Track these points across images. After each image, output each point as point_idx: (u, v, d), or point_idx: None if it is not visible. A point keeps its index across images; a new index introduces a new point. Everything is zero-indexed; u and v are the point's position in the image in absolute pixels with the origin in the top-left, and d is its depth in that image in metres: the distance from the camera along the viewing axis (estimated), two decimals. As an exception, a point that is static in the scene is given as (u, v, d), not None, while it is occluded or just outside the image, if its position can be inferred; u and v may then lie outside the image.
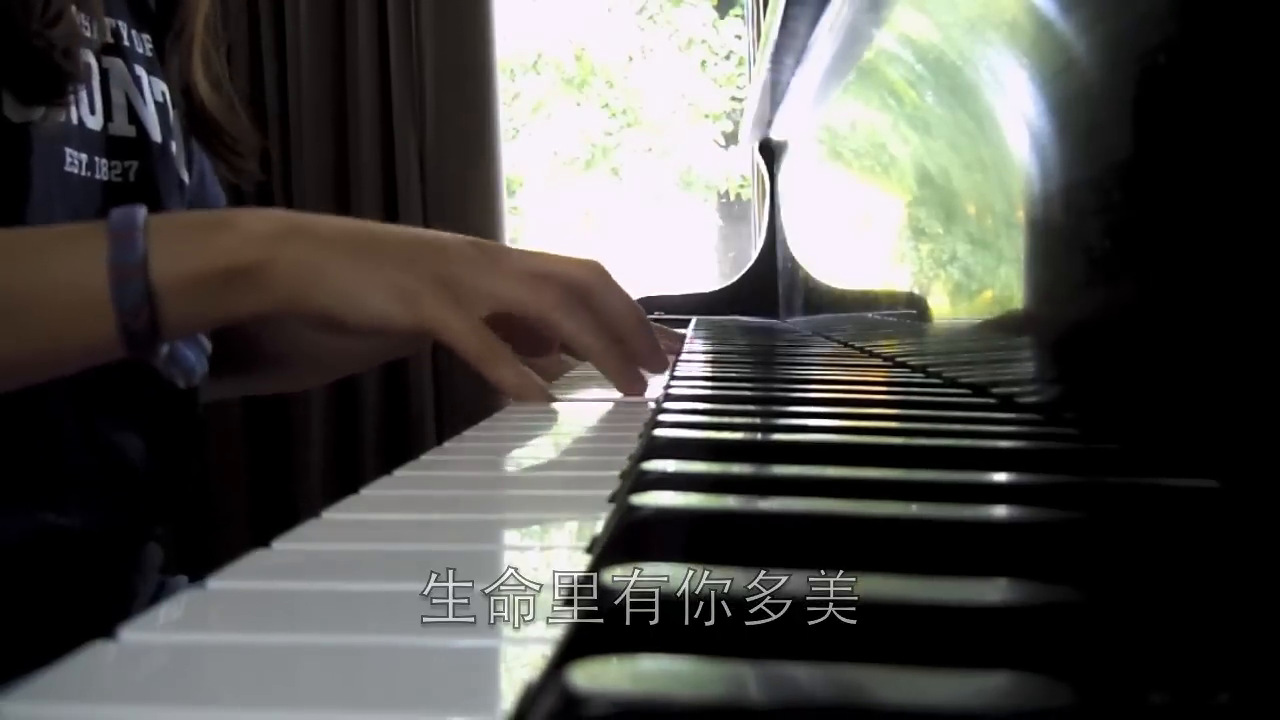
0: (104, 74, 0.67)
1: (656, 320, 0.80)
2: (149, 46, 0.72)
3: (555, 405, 0.56)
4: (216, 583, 0.23)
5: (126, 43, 0.70)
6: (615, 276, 0.57)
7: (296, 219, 0.51)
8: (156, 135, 0.70)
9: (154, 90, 0.71)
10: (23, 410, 0.60)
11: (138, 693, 0.17)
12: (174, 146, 0.72)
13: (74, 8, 0.60)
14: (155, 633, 0.20)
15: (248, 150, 0.77)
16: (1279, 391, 0.28)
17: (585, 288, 0.55)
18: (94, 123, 0.65)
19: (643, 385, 0.58)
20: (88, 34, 0.64)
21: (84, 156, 0.64)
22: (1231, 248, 0.30)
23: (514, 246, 0.57)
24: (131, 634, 0.19)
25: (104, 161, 0.66)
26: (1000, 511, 0.27)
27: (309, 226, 0.51)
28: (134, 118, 0.69)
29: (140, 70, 0.70)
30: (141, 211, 0.49)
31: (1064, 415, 0.43)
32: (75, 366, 0.54)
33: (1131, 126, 0.36)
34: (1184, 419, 0.33)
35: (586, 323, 0.54)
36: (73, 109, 0.62)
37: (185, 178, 0.74)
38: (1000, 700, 0.15)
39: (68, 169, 0.63)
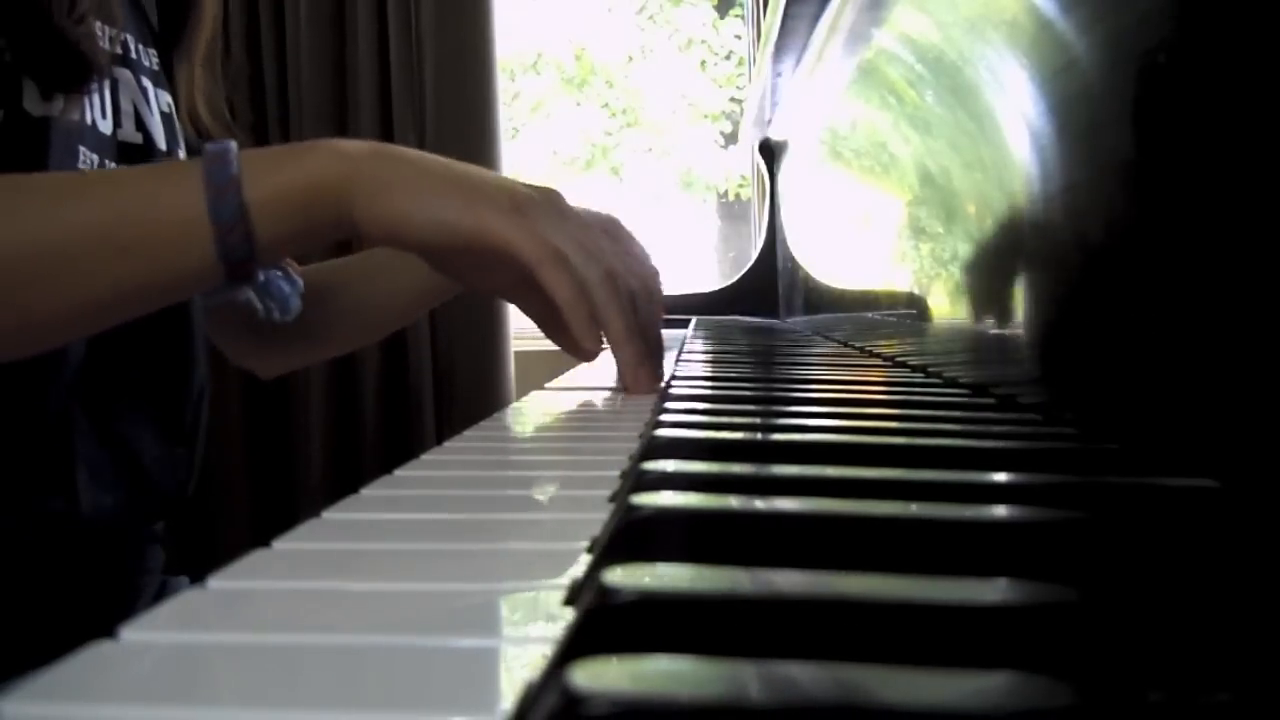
0: (114, 83, 0.69)
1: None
2: (155, 60, 0.73)
3: (555, 405, 0.56)
4: (216, 583, 0.23)
5: (134, 55, 0.71)
6: (659, 283, 0.59)
7: (377, 145, 0.53)
8: (162, 143, 0.72)
9: (160, 101, 0.73)
10: (33, 399, 0.61)
11: (138, 693, 0.17)
12: (180, 154, 0.73)
13: (93, 16, 0.61)
14: (156, 632, 0.20)
15: None
16: (1279, 391, 0.28)
17: (627, 286, 0.55)
18: (105, 126, 0.66)
19: (656, 383, 0.58)
20: (103, 44, 0.65)
21: (95, 157, 0.65)
22: (1231, 248, 0.30)
23: (574, 205, 0.57)
24: (132, 634, 0.19)
25: (113, 165, 0.67)
26: (1000, 511, 0.27)
27: (387, 150, 0.53)
28: (141, 125, 0.70)
29: (147, 82, 0.72)
30: (233, 143, 0.51)
31: (1064, 415, 0.43)
32: (179, 294, 0.56)
33: (1131, 126, 0.36)
34: (1184, 419, 0.33)
35: (621, 305, 0.54)
36: (86, 110, 0.63)
37: None
38: (1000, 700, 0.15)
39: (80, 166, 0.63)
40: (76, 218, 0.49)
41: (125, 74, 0.70)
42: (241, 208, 0.49)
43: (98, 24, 0.63)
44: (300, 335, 0.82)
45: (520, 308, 0.63)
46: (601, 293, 0.53)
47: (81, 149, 0.63)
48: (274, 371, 0.90)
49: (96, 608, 0.66)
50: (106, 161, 0.66)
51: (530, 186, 0.55)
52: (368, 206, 0.51)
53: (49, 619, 0.63)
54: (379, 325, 0.91)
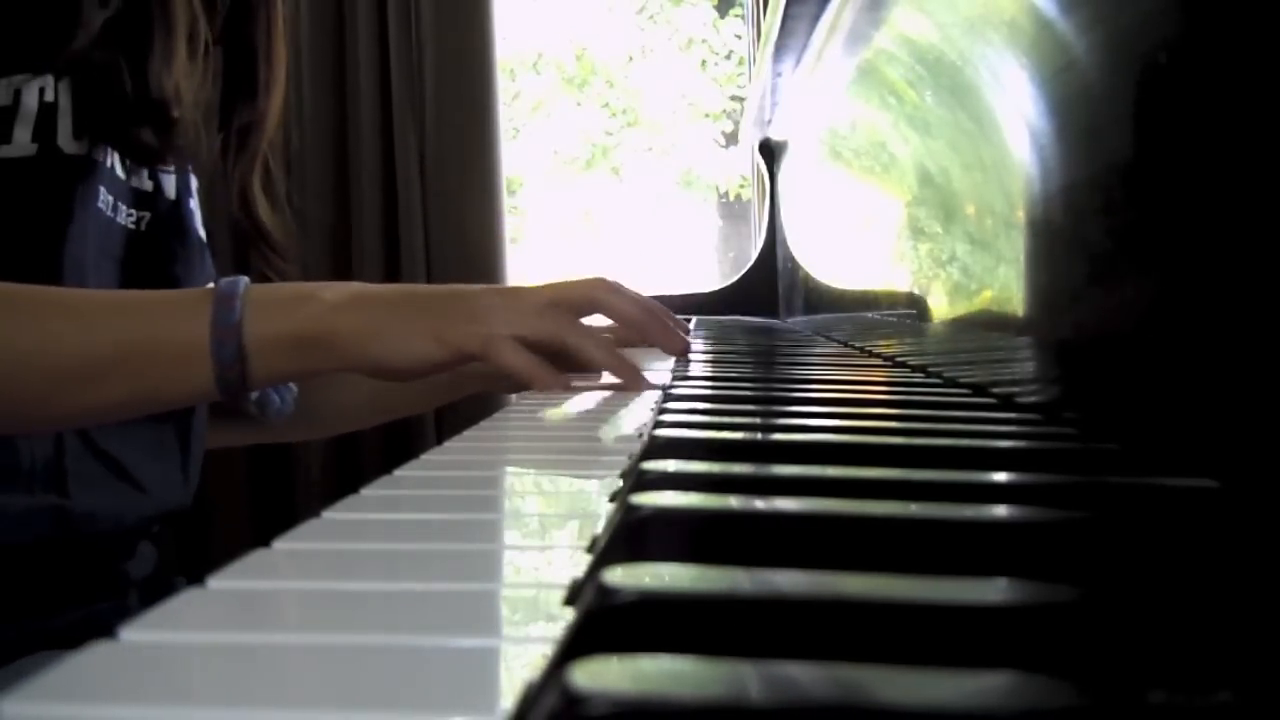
0: None
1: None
2: (189, 131, 0.74)
3: (555, 405, 0.56)
4: (216, 583, 0.23)
5: None
6: (619, 282, 0.65)
7: (361, 291, 0.62)
8: (171, 192, 0.74)
9: None
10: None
11: (138, 693, 0.17)
12: (192, 204, 0.76)
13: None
14: (155, 632, 0.20)
15: (291, 258, 0.84)
16: (1279, 391, 0.28)
17: (592, 301, 0.63)
18: (120, 171, 0.70)
19: (644, 382, 0.63)
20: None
21: (111, 199, 0.69)
22: (1231, 248, 0.30)
23: (526, 285, 0.66)
24: (132, 634, 0.19)
25: (125, 208, 0.70)
26: (1000, 511, 0.27)
27: (367, 297, 0.61)
28: (152, 174, 0.73)
29: None
30: (244, 281, 0.59)
31: (1064, 415, 0.43)
32: (174, 407, 0.66)
33: (1131, 126, 0.36)
34: (1184, 419, 0.33)
35: (589, 339, 0.61)
36: (106, 154, 0.67)
37: (204, 235, 0.78)
38: (1000, 700, 0.15)
39: (99, 206, 0.67)
40: (103, 338, 0.57)
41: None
42: (240, 350, 0.57)
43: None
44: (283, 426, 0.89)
45: (507, 389, 0.72)
46: (572, 338, 0.61)
47: (101, 189, 0.67)
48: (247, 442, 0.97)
49: (85, 597, 0.67)
50: (120, 204, 0.70)
51: (487, 289, 0.65)
52: (354, 354, 0.59)
53: (39, 608, 0.64)
54: (355, 420, 1.00)
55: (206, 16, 0.72)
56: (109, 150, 0.68)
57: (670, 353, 0.69)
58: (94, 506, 0.67)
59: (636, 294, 0.66)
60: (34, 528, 0.65)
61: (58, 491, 0.65)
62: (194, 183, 0.77)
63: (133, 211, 0.71)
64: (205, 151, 0.76)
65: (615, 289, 0.64)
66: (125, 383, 0.57)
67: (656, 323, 0.67)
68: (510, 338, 0.59)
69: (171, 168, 0.73)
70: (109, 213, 0.69)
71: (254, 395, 0.61)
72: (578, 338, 0.61)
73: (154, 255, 0.72)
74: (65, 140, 0.65)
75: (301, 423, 0.92)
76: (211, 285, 0.58)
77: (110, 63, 0.65)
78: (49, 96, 0.64)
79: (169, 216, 0.74)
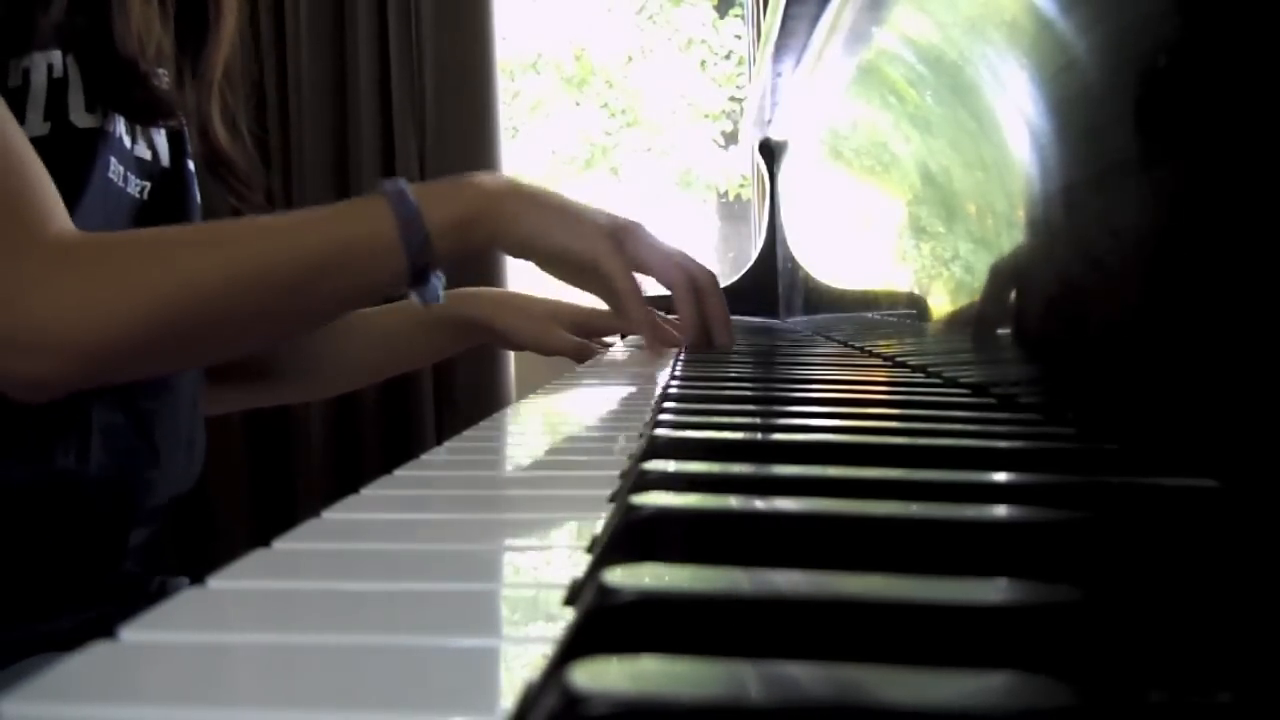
0: None
1: (660, 318, 0.88)
2: (165, 80, 0.74)
3: (555, 406, 0.56)
4: (216, 583, 0.23)
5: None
6: (718, 286, 0.80)
7: (513, 182, 0.70)
8: (166, 160, 0.74)
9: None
10: None
11: (138, 693, 0.17)
12: (190, 168, 0.77)
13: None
14: (156, 632, 0.20)
15: (256, 186, 0.84)
16: (1279, 391, 0.28)
17: (700, 280, 0.76)
18: (126, 141, 0.70)
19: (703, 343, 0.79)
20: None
21: (121, 169, 0.69)
22: (1231, 248, 0.30)
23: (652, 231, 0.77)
24: (132, 634, 0.19)
25: (133, 177, 0.71)
26: (1000, 511, 0.27)
27: (520, 188, 0.70)
28: (150, 143, 0.73)
29: None
30: (401, 179, 0.66)
31: (1064, 415, 0.43)
32: (372, 301, 0.75)
33: (1131, 126, 0.36)
34: (1184, 419, 0.33)
35: (691, 300, 0.76)
36: (115, 124, 0.68)
37: (199, 199, 0.79)
38: (1000, 700, 0.15)
39: (110, 176, 0.68)
40: (305, 247, 0.63)
41: None
42: (425, 234, 0.64)
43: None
44: (293, 374, 0.94)
45: (605, 301, 0.80)
46: (681, 294, 0.75)
47: (112, 159, 0.68)
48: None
49: (85, 599, 0.67)
50: (129, 174, 0.70)
51: (620, 218, 0.74)
52: (507, 233, 0.69)
53: (39, 611, 0.64)
54: (352, 375, 1.03)
55: None
56: (117, 119, 0.68)
57: (719, 342, 0.81)
58: (106, 474, 0.67)
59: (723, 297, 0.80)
60: (47, 499, 0.65)
61: (77, 458, 0.65)
62: (187, 146, 0.77)
63: (137, 181, 0.71)
64: (186, 100, 0.76)
65: (715, 288, 0.79)
66: (331, 281, 0.63)
67: (721, 317, 0.80)
68: (631, 261, 0.71)
69: (162, 129, 0.74)
70: (119, 183, 0.69)
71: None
72: (686, 295, 0.75)
73: (159, 224, 0.72)
74: (78, 114, 0.65)
75: (302, 380, 0.96)
76: (373, 191, 0.65)
77: (97, 26, 0.65)
78: (57, 73, 0.64)
79: (169, 183, 0.74)
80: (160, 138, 0.74)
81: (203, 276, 0.60)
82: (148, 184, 0.72)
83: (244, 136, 0.82)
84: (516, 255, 0.71)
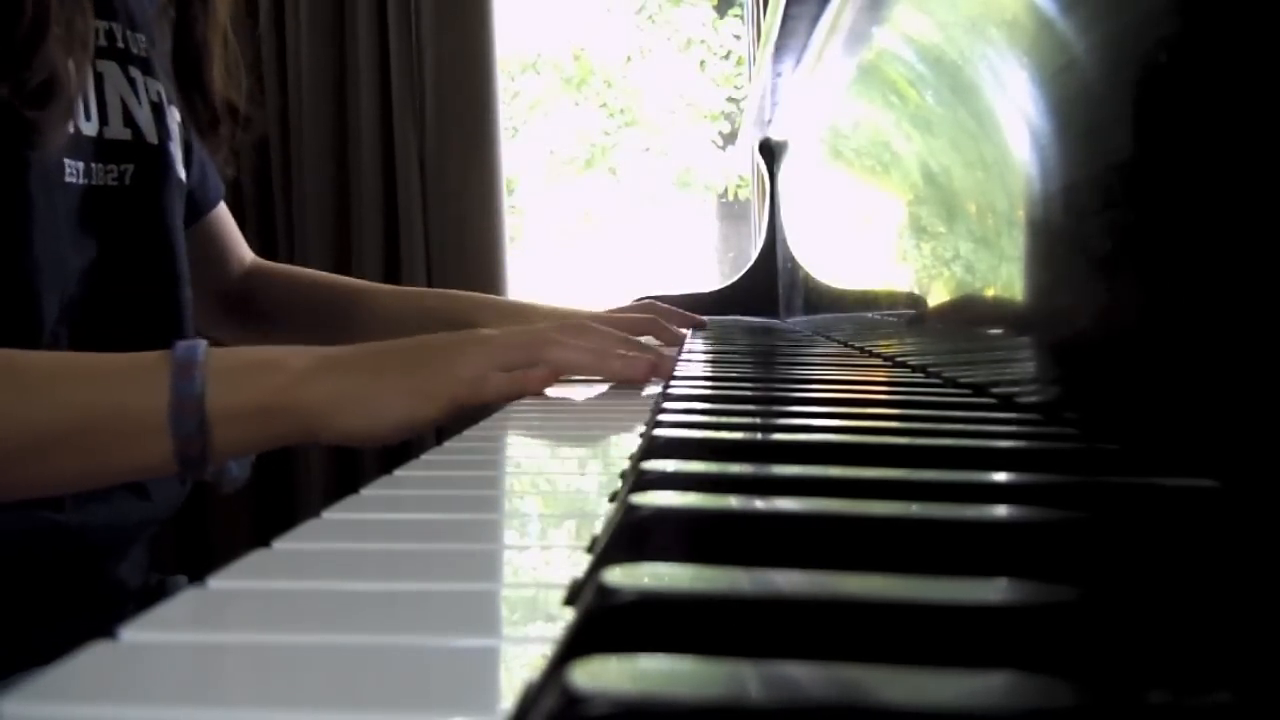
0: (99, 78, 0.68)
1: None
2: (143, 46, 0.72)
3: (554, 406, 0.57)
4: (216, 583, 0.23)
5: (121, 44, 0.70)
6: (586, 322, 0.65)
7: (327, 356, 0.57)
8: (152, 137, 0.71)
9: (149, 91, 0.72)
10: None
11: (138, 693, 0.17)
12: (172, 146, 0.73)
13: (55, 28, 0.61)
14: (155, 632, 0.20)
15: (254, 130, 0.82)
16: (1279, 391, 0.28)
17: (544, 347, 0.60)
18: (89, 129, 0.66)
19: (646, 368, 0.62)
20: (91, 38, 0.65)
21: (80, 164, 0.65)
22: (1231, 247, 0.30)
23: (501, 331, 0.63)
24: (132, 634, 0.19)
25: (99, 166, 0.67)
26: (1000, 511, 0.27)
27: (337, 363, 0.56)
28: (129, 121, 0.70)
29: (135, 72, 0.71)
30: (202, 346, 0.54)
31: (1064, 415, 0.43)
32: (127, 480, 0.61)
33: (1131, 126, 0.36)
34: (1184, 419, 0.33)
35: (572, 347, 0.60)
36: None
37: (184, 176, 0.75)
38: (1000, 700, 0.15)
39: (68, 179, 0.64)
40: (55, 414, 0.52)
41: (111, 67, 0.69)
42: (202, 423, 0.52)
43: (81, 18, 0.63)
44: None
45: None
46: (553, 352, 0.59)
47: (66, 161, 0.64)
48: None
49: (81, 608, 0.67)
50: (92, 165, 0.66)
51: (462, 335, 0.61)
52: (328, 426, 0.55)
53: (34, 614, 0.64)
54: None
55: None
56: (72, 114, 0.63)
57: (624, 381, 0.64)
58: (89, 519, 0.66)
59: (596, 328, 0.63)
60: (30, 546, 0.64)
61: (51, 508, 0.64)
62: (175, 123, 0.74)
63: (112, 167, 0.68)
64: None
65: (564, 339, 0.61)
66: (75, 458, 0.53)
67: (611, 360, 0.62)
68: (490, 371, 0.57)
69: (144, 104, 0.71)
70: (80, 180, 0.65)
71: (211, 468, 0.57)
72: (560, 350, 0.59)
73: (143, 209, 0.70)
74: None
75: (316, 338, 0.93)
76: (168, 350, 0.54)
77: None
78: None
79: (153, 163, 0.71)
80: (143, 114, 0.71)
81: None
82: (130, 167, 0.69)
83: (240, 81, 0.80)
84: (359, 446, 0.62)
